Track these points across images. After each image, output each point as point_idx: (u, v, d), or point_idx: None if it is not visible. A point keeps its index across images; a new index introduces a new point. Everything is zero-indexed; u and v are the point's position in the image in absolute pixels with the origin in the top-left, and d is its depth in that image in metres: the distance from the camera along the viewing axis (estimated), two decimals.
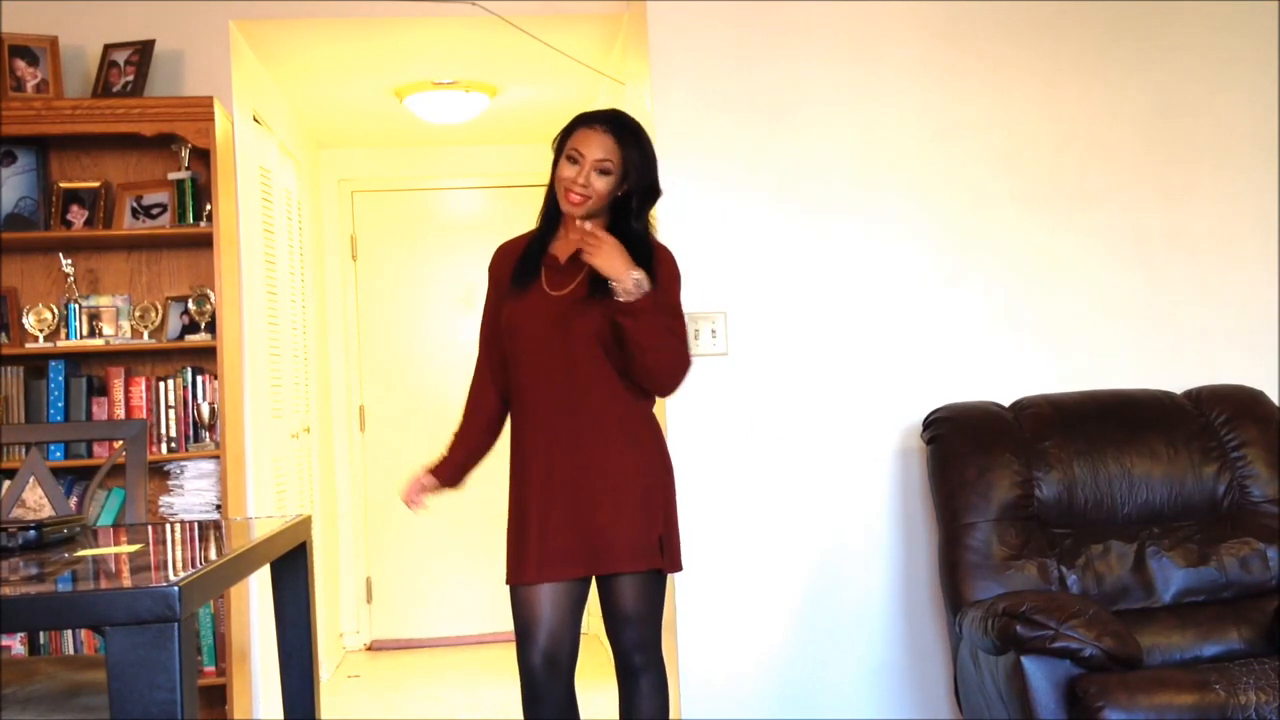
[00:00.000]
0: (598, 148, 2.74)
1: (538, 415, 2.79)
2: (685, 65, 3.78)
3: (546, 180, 2.85)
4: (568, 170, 2.76)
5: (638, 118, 2.89)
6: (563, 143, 2.81)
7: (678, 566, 2.84)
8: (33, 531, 2.24)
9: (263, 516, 3.79)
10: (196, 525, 2.82)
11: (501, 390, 2.90)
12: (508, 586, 2.82)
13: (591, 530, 2.74)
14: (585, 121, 2.80)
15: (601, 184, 2.74)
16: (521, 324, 2.80)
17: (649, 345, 2.70)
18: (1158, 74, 3.94)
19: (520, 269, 2.83)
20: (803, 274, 3.78)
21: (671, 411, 3.72)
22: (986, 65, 3.88)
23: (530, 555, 2.75)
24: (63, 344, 3.83)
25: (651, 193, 2.81)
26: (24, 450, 3.60)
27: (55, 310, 3.88)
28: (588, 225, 2.73)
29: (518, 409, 2.85)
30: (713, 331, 3.73)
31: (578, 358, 2.75)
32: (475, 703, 5.01)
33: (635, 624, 2.78)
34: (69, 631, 3.68)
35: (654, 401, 2.88)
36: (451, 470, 2.94)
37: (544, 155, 2.92)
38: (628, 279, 2.67)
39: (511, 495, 2.84)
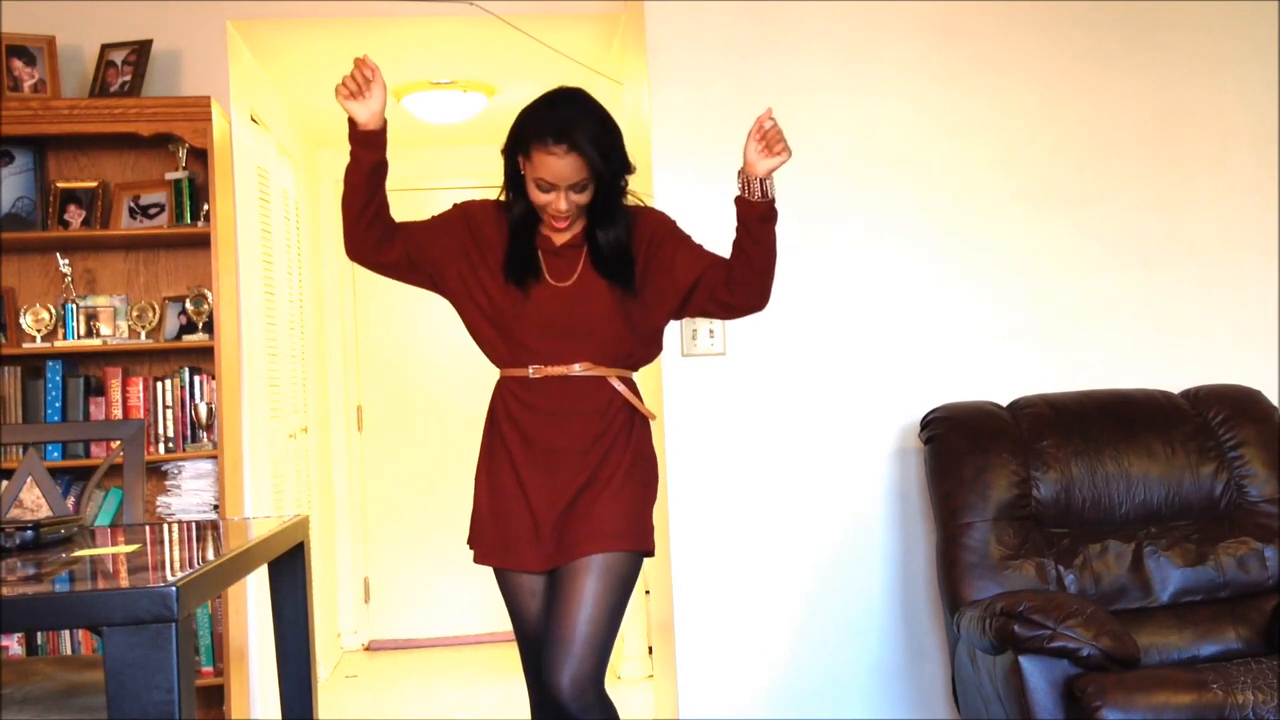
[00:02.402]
0: (567, 171, 2.58)
1: (544, 400, 2.65)
2: (683, 65, 3.78)
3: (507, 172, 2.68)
4: (542, 198, 2.63)
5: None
6: (518, 150, 2.63)
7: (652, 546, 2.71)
8: (30, 532, 2.23)
9: (260, 517, 3.78)
10: (194, 525, 2.82)
11: (398, 247, 2.72)
12: (514, 573, 2.66)
13: (588, 514, 2.60)
14: (539, 143, 2.57)
15: (582, 198, 2.63)
16: (531, 318, 2.64)
17: (773, 246, 2.77)
18: (1157, 74, 3.94)
19: (518, 263, 2.66)
20: (800, 273, 3.77)
21: (669, 411, 3.72)
22: (985, 65, 3.88)
23: (545, 542, 2.61)
24: (60, 344, 3.83)
25: (623, 170, 2.68)
26: (21, 450, 3.59)
27: (52, 310, 3.88)
28: (766, 124, 2.66)
29: (518, 388, 2.67)
30: (710, 331, 3.73)
31: (589, 343, 2.63)
32: (473, 703, 5.01)
33: (582, 650, 2.51)
34: (66, 632, 3.68)
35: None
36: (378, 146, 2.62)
37: None
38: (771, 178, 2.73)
39: (506, 483, 2.67)
